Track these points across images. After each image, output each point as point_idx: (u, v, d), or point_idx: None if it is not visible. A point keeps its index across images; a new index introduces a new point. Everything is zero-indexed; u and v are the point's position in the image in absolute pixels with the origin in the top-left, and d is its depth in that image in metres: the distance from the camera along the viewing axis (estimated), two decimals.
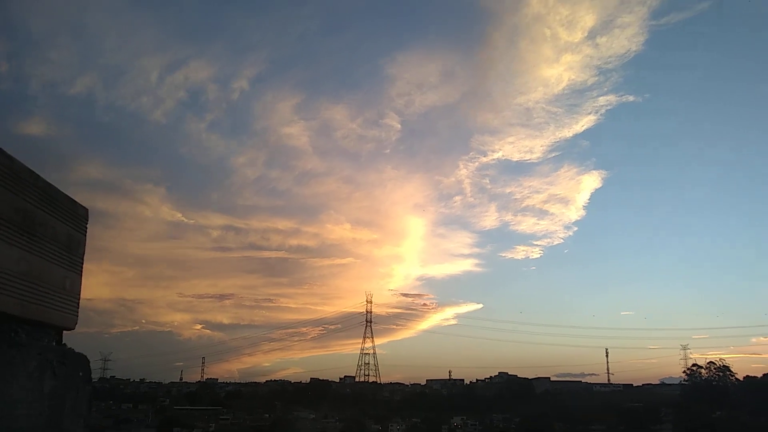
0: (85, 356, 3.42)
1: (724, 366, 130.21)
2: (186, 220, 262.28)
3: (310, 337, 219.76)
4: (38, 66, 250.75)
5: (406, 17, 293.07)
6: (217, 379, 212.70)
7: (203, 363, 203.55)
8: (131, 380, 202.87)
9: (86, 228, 3.37)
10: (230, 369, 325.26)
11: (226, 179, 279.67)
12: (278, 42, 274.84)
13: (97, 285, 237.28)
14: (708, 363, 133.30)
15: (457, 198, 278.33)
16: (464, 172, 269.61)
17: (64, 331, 3.26)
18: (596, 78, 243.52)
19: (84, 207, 3.25)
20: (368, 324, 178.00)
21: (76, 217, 3.13)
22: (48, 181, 2.87)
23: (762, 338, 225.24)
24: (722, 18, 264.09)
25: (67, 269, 2.96)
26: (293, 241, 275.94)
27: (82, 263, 3.12)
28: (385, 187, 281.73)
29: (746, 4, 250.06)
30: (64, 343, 3.41)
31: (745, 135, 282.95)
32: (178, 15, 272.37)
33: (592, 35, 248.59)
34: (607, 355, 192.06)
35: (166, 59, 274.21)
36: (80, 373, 3.24)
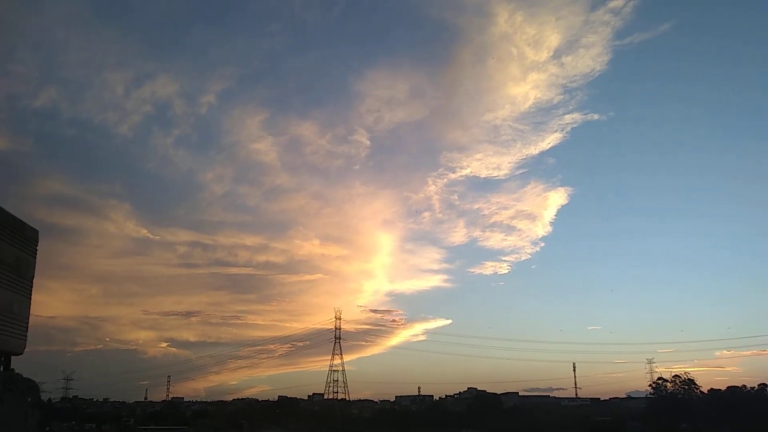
0: (34, 381, 3.32)
1: (689, 379, 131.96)
2: (152, 237, 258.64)
3: (278, 354, 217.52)
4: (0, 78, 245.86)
5: (375, 34, 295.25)
6: (183, 398, 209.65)
7: (169, 382, 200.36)
8: (95, 399, 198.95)
9: (36, 250, 3.28)
10: (196, 388, 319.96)
11: (193, 195, 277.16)
12: (246, 58, 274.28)
13: (60, 303, 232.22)
14: (673, 376, 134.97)
15: (426, 214, 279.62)
16: (433, 188, 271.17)
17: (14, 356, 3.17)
18: (562, 96, 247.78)
19: (34, 228, 3.16)
20: (337, 341, 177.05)
21: (25, 238, 3.04)
22: None
23: (725, 351, 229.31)
24: (683, 38, 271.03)
25: (14, 292, 2.87)
26: (261, 257, 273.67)
27: (32, 286, 3.03)
28: (355, 203, 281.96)
29: (706, 25, 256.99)
30: (12, 368, 3.30)
31: (708, 150, 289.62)
32: (144, 29, 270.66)
33: (557, 54, 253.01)
34: (574, 370, 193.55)
35: (133, 73, 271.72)
36: (29, 399, 3.14)
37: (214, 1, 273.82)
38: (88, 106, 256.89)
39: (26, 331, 3.27)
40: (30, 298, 3.35)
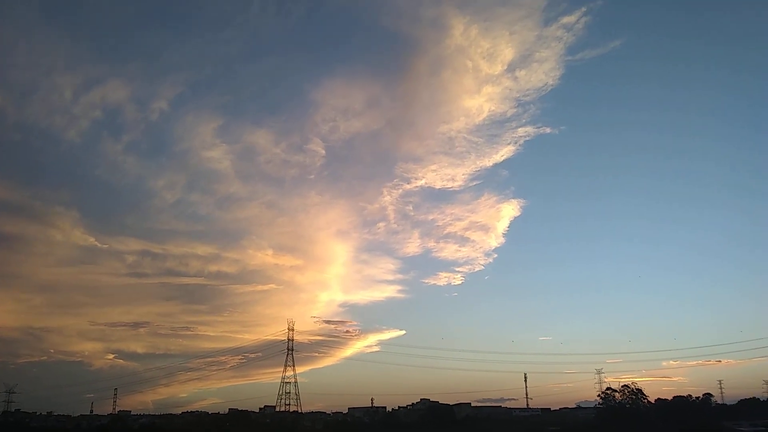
0: None
1: (637, 389, 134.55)
2: (99, 245, 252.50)
3: (229, 366, 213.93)
4: None
5: (332, 43, 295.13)
6: (131, 411, 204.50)
7: (115, 394, 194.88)
8: (38, 413, 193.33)
9: None
10: (144, 400, 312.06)
11: (143, 202, 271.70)
12: (199, 64, 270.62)
13: (2, 313, 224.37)
14: (622, 386, 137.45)
15: (381, 224, 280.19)
16: (388, 198, 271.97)
17: None
18: (515, 110, 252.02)
19: None
20: (290, 352, 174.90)
21: None
22: None
23: (672, 362, 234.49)
24: (633, 55, 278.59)
25: None
26: (213, 267, 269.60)
27: None
28: (309, 213, 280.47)
29: (655, 43, 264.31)
30: None
31: (659, 164, 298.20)
32: (94, 32, 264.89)
33: (511, 68, 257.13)
34: (525, 380, 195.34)
35: (82, 77, 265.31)
36: None
37: (168, 4, 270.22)
38: (34, 110, 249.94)
39: None
40: None
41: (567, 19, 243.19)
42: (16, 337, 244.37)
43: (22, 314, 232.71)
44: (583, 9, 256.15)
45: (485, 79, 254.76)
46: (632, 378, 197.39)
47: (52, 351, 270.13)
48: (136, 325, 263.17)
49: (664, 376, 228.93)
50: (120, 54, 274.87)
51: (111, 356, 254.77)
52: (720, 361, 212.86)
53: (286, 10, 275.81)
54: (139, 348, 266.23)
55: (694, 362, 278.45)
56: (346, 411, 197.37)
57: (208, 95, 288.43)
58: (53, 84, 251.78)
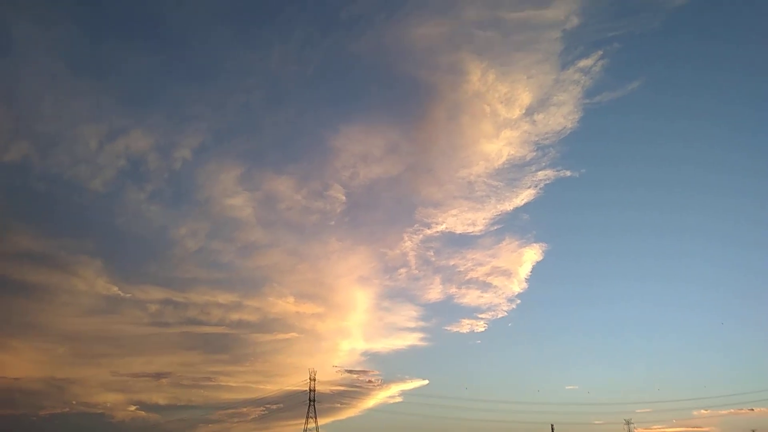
0: None
1: None
2: (122, 294, 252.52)
3: (251, 417, 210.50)
4: None
5: (351, 91, 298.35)
6: None
7: None
8: None
9: None
10: None
11: (166, 251, 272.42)
12: (221, 112, 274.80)
13: (25, 363, 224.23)
14: None
15: (402, 270, 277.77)
16: (409, 244, 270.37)
17: None
18: (535, 153, 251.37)
19: None
20: (311, 403, 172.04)
21: None
22: None
23: (703, 411, 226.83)
24: (652, 96, 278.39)
25: None
26: (234, 316, 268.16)
27: None
28: (330, 259, 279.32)
29: (673, 83, 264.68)
30: None
31: (684, 200, 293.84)
32: (118, 83, 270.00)
33: (530, 112, 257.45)
34: (552, 431, 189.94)
35: (106, 127, 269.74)
36: None
37: (190, 56, 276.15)
38: (60, 160, 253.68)
39: None
40: None
41: (584, 63, 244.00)
42: (38, 389, 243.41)
43: (44, 364, 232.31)
44: (600, 52, 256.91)
45: (504, 123, 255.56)
46: (662, 428, 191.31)
47: (74, 402, 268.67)
48: (158, 375, 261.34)
49: (695, 426, 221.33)
50: (144, 104, 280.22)
51: (133, 408, 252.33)
52: (753, 410, 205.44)
53: (306, 58, 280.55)
54: (161, 399, 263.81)
55: (726, 411, 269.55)
56: None
57: (230, 143, 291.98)
58: (78, 134, 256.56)
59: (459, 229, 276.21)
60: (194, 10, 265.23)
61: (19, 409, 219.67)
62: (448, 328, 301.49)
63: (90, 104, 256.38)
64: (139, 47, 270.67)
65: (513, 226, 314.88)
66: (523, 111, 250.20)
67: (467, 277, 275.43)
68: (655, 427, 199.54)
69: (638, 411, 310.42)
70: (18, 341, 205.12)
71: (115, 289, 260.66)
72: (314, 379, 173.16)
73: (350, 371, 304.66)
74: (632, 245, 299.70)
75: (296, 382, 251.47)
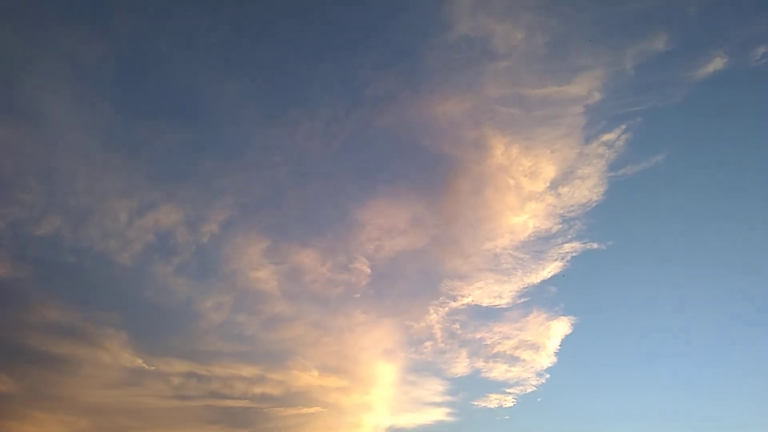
0: None
1: None
2: (146, 367, 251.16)
3: None
4: (5, 207, 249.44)
5: (375, 165, 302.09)
6: None
7: None
8: None
9: None
10: None
11: (190, 323, 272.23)
12: (248, 187, 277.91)
13: None
14: None
15: (428, 343, 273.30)
16: (434, 317, 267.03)
17: None
18: (560, 226, 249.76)
19: None
20: None
21: None
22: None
23: None
24: (677, 168, 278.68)
25: None
26: (258, 389, 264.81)
27: None
28: (354, 332, 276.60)
29: (698, 155, 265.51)
30: None
31: (708, 274, 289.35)
32: (149, 159, 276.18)
33: (554, 185, 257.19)
34: None
35: (137, 202, 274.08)
36: None
37: (219, 135, 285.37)
38: (90, 234, 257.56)
39: None
40: None
41: (607, 137, 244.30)
42: None
43: None
44: (623, 126, 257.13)
45: (528, 196, 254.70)
46: None
47: None
48: None
49: None
50: (173, 180, 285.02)
51: None
52: None
53: (331, 134, 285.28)
54: None
55: None
56: None
57: (256, 217, 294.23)
58: (109, 209, 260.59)
59: (485, 302, 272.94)
60: (224, 92, 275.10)
61: None
62: (476, 403, 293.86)
63: (121, 179, 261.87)
64: (169, 125, 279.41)
65: (540, 298, 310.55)
66: (548, 184, 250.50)
67: (494, 351, 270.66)
68: None
69: None
70: (41, 413, 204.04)
71: (140, 361, 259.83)
72: None
73: None
74: (662, 318, 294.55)
75: None
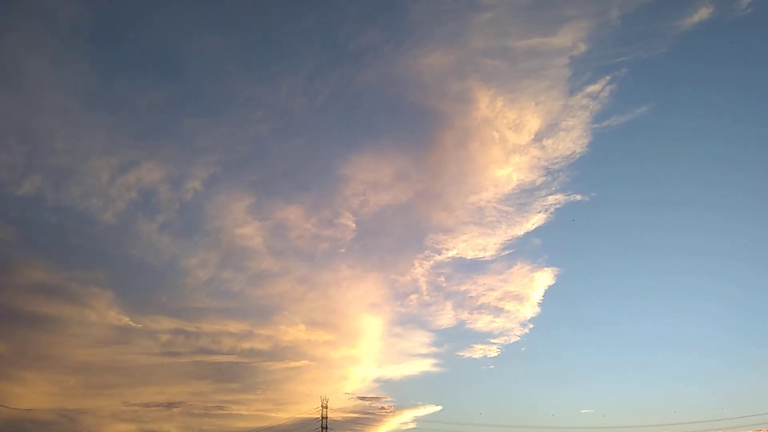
0: None
1: None
2: (134, 325, 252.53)
3: None
4: None
5: (359, 120, 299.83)
6: None
7: None
8: None
9: None
10: None
11: (176, 281, 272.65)
12: (231, 144, 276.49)
13: (37, 395, 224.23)
14: None
15: (413, 296, 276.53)
16: (419, 270, 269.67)
17: None
18: (544, 178, 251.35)
19: None
20: (324, 430, 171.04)
21: None
22: None
23: None
24: (660, 120, 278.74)
25: None
26: (246, 345, 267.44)
27: None
28: (340, 287, 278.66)
29: (681, 106, 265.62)
30: None
31: (691, 221, 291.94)
32: (130, 117, 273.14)
33: (538, 138, 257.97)
34: None
35: (118, 160, 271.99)
36: None
37: (201, 91, 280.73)
38: (72, 193, 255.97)
39: None
40: None
41: (592, 88, 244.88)
42: (50, 419, 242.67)
43: (56, 396, 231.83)
44: (608, 77, 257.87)
45: (513, 149, 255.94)
46: None
47: None
48: (169, 405, 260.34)
49: None
50: (155, 137, 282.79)
51: None
52: None
53: (314, 90, 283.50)
54: (172, 429, 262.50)
55: None
56: None
57: (240, 174, 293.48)
58: (90, 168, 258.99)
59: (470, 255, 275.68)
60: (205, 47, 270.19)
61: None
62: (461, 354, 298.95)
63: (102, 138, 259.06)
64: (150, 83, 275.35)
65: (524, 251, 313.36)
66: (532, 137, 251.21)
67: (479, 303, 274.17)
68: None
69: None
70: (30, 373, 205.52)
71: (126, 319, 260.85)
72: (326, 407, 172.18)
73: (362, 398, 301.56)
74: (646, 267, 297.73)
75: (308, 410, 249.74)
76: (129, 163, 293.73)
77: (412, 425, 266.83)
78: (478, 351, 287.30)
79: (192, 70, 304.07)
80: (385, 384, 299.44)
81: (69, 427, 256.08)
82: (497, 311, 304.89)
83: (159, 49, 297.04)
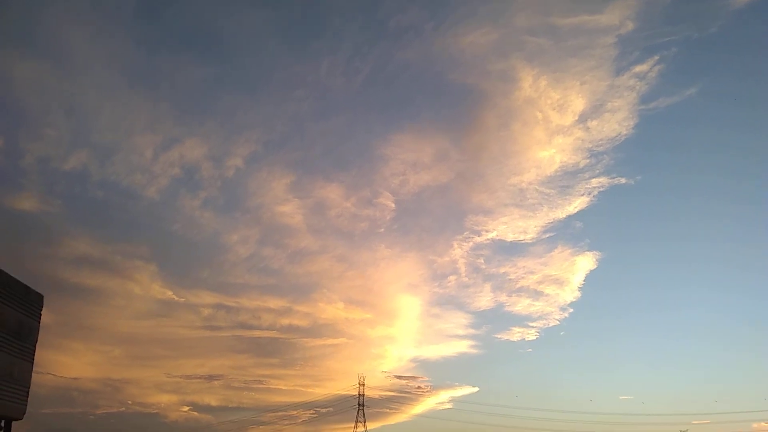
0: None
1: None
2: (176, 298, 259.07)
3: (300, 420, 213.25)
4: (32, 142, 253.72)
5: (399, 99, 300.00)
6: None
7: None
8: None
9: (40, 314, 3.30)
10: None
11: (218, 257, 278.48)
12: (272, 122, 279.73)
13: (83, 364, 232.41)
14: None
15: (452, 278, 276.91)
16: (458, 251, 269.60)
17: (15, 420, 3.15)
18: (588, 160, 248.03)
19: (39, 293, 3.18)
20: (360, 407, 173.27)
21: (28, 302, 3.06)
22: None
23: (764, 423, 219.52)
24: (709, 102, 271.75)
25: (15, 356, 2.87)
26: (285, 321, 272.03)
27: (34, 350, 3.01)
28: (379, 266, 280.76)
29: (731, 90, 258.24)
30: None
31: (738, 211, 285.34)
32: (173, 94, 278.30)
33: (583, 119, 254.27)
34: None
35: (162, 137, 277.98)
36: None
37: (242, 68, 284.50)
38: (116, 169, 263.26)
39: (27, 396, 3.26)
40: (32, 363, 3.35)
41: (639, 68, 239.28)
42: (95, 388, 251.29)
43: (101, 365, 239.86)
44: (656, 57, 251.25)
45: (556, 130, 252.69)
46: None
47: (129, 402, 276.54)
48: (210, 377, 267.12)
49: None
50: (197, 114, 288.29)
51: (186, 408, 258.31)
52: None
53: (354, 68, 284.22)
54: (213, 401, 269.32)
55: None
56: None
57: (281, 152, 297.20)
58: (134, 144, 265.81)
59: (510, 237, 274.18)
60: (246, 24, 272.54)
61: (77, 408, 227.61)
62: (499, 336, 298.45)
63: (145, 114, 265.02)
64: (192, 60, 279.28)
65: (566, 234, 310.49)
66: (576, 117, 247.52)
67: (518, 286, 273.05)
68: None
69: (695, 422, 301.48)
70: (76, 343, 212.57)
71: (170, 293, 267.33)
72: (363, 384, 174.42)
73: (399, 377, 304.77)
74: (689, 250, 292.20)
75: (345, 387, 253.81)
76: (171, 139, 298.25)
77: (448, 405, 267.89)
78: (516, 334, 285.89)
79: (232, 48, 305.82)
80: (422, 364, 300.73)
81: (113, 395, 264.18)
82: (537, 294, 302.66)
83: (200, 26, 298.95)
